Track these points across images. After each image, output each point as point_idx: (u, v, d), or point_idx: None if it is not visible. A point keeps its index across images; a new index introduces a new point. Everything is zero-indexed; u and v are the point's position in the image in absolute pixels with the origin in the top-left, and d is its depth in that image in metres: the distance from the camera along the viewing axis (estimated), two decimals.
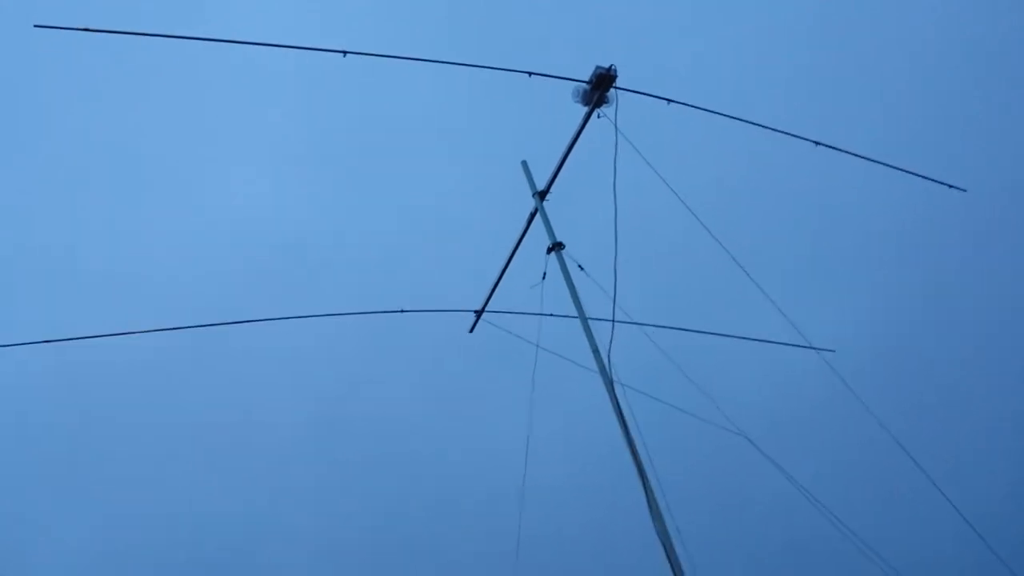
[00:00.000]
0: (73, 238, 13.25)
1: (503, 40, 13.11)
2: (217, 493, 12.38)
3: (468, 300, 6.73)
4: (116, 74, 12.67)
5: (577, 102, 5.91)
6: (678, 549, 4.39)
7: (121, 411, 12.48)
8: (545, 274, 6.03)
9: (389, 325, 6.57)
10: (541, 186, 6.25)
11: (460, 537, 11.86)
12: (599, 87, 5.77)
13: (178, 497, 12.16)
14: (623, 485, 4.95)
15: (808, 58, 13.51)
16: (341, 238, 13.87)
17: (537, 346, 6.10)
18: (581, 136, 5.95)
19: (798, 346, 6.19)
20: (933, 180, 6.01)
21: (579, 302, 5.55)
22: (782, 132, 5.95)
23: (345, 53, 5.30)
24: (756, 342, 6.87)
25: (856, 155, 5.96)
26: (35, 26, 4.54)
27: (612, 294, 5.27)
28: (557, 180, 6.18)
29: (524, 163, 6.43)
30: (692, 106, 5.85)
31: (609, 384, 5.06)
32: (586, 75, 5.82)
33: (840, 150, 5.95)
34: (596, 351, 5.26)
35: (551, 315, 6.13)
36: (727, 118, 6.01)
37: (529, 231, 6.29)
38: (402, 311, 6.30)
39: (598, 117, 5.82)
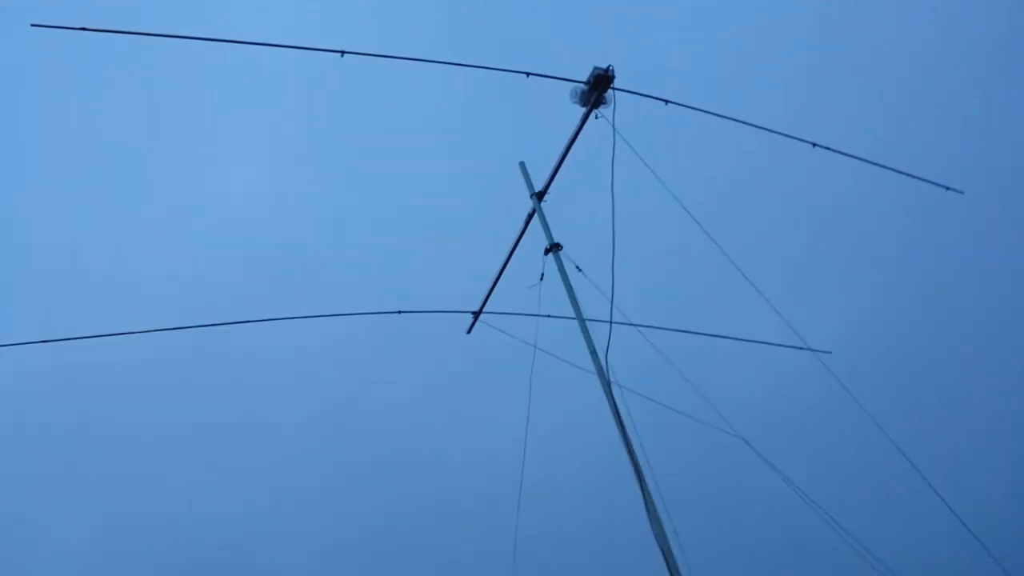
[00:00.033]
0: (73, 238, 13.27)
1: (501, 40, 13.13)
2: (217, 493, 12.40)
3: (467, 301, 6.73)
4: (116, 74, 12.70)
5: (575, 103, 5.90)
6: (675, 550, 4.39)
7: (121, 411, 12.50)
8: (543, 275, 6.03)
9: (389, 326, 6.57)
10: (539, 187, 6.23)
11: (460, 537, 11.87)
12: (597, 88, 5.76)
13: (178, 497, 12.18)
14: (621, 486, 4.95)
15: (806, 58, 13.52)
16: (340, 238, 13.91)
17: (535, 347, 6.09)
18: (579, 137, 5.95)
19: (795, 347, 6.18)
20: (930, 182, 5.99)
21: (577, 303, 5.54)
22: (779, 133, 5.95)
23: (343, 53, 5.30)
24: (753, 343, 6.87)
25: (853, 156, 5.95)
26: (32, 25, 4.52)
27: (610, 295, 5.27)
28: (555, 181, 6.17)
29: (522, 164, 6.42)
30: (690, 107, 5.85)
31: (607, 385, 5.05)
32: (584, 75, 5.81)
33: (837, 151, 5.95)
34: (594, 352, 5.25)
35: (549, 316, 6.13)
36: (725, 119, 6.00)
37: (527, 232, 6.28)
38: (399, 312, 6.29)
39: (596, 118, 5.82)
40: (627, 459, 4.76)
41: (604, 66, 5.70)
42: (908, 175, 5.94)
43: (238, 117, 13.69)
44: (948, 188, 6.06)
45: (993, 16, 13.15)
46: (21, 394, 12.17)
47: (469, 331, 6.64)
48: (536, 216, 6.14)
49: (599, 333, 5.27)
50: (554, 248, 5.93)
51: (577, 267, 5.84)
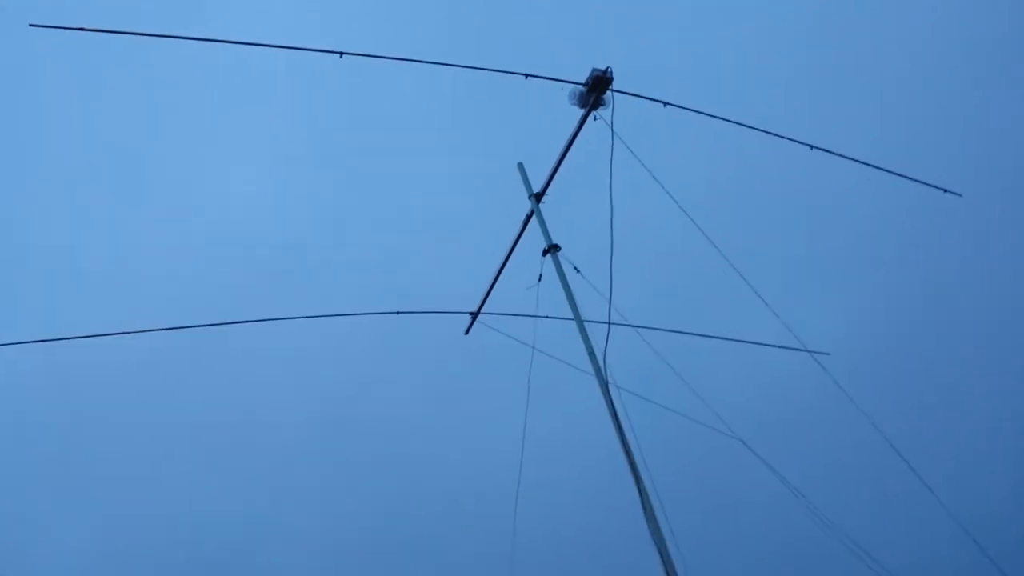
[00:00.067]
0: (73, 238, 13.28)
1: (501, 41, 13.14)
2: (217, 493, 12.41)
3: (466, 300, 6.73)
4: (116, 74, 12.71)
5: (573, 104, 5.90)
6: (672, 550, 4.41)
7: (121, 411, 12.51)
8: (541, 276, 6.04)
9: (388, 326, 6.58)
10: (537, 188, 6.25)
11: (459, 537, 11.88)
12: (595, 89, 5.77)
13: (178, 497, 12.20)
14: (618, 486, 4.96)
15: (806, 58, 13.52)
16: (339, 238, 13.92)
17: (533, 348, 6.10)
18: (577, 138, 5.95)
19: (792, 348, 6.19)
20: (928, 184, 5.99)
21: (575, 304, 5.55)
22: (778, 136, 5.95)
23: (342, 54, 5.30)
24: (751, 344, 6.87)
25: (851, 159, 5.96)
26: (30, 25, 4.52)
27: (608, 296, 5.27)
28: (553, 182, 6.18)
29: (520, 165, 6.43)
30: (688, 109, 5.85)
31: (604, 386, 5.06)
32: (582, 77, 5.81)
33: (835, 154, 5.95)
34: (592, 353, 5.26)
35: (547, 317, 6.14)
36: (723, 121, 6.00)
37: (525, 233, 6.29)
38: (397, 313, 6.30)
39: (594, 119, 5.82)
40: (624, 459, 4.77)
41: (603, 68, 5.70)
42: (906, 177, 5.94)
43: (238, 117, 13.72)
44: (946, 191, 6.06)
45: (990, 18, 13.16)
46: (21, 394, 12.19)
47: (467, 331, 6.65)
48: (534, 217, 6.15)
49: (597, 334, 5.28)
50: (552, 249, 5.95)
51: (575, 268, 5.85)
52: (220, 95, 13.43)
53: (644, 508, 4.53)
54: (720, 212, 11.59)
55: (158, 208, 13.59)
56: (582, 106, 5.83)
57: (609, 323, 5.21)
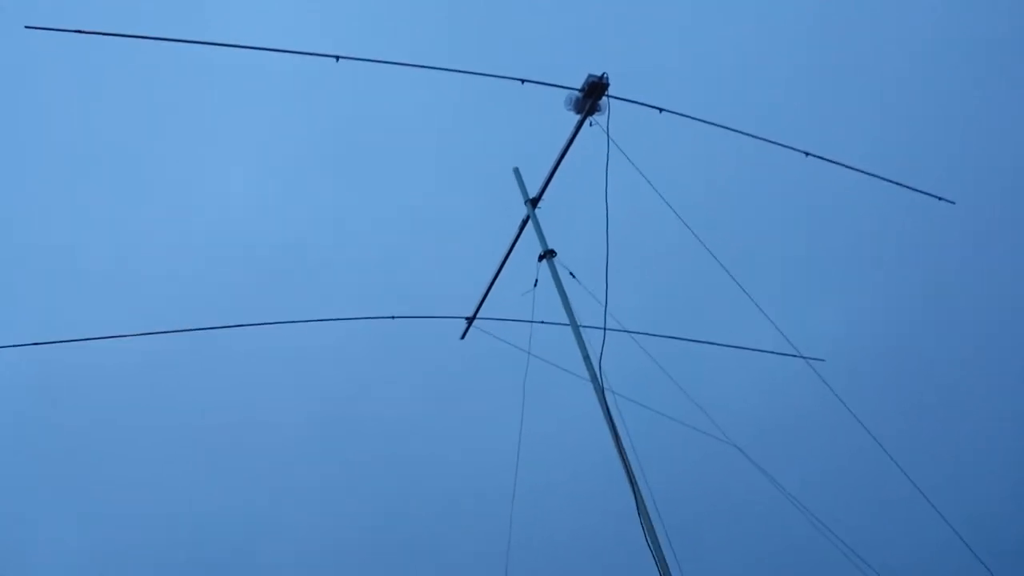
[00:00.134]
0: (73, 238, 13.30)
1: (498, 44, 13.14)
2: (217, 493, 12.44)
3: (465, 302, 6.74)
4: (116, 74, 12.72)
5: (569, 110, 5.90)
6: (667, 555, 4.43)
7: (121, 411, 12.54)
8: (537, 281, 6.05)
9: (387, 327, 6.59)
10: (533, 193, 6.26)
11: (458, 538, 11.91)
12: (591, 95, 5.75)
13: (178, 497, 12.22)
14: (614, 491, 4.98)
15: (805, 60, 13.51)
16: (339, 239, 13.94)
17: (528, 353, 6.12)
18: (573, 143, 5.95)
19: (788, 355, 6.20)
20: (922, 192, 6.00)
21: (571, 310, 5.56)
22: (773, 143, 5.95)
23: (338, 58, 5.31)
24: (746, 350, 6.88)
25: (846, 166, 5.96)
26: (26, 27, 4.52)
27: (603, 301, 5.28)
28: (549, 187, 6.19)
29: (516, 170, 6.43)
30: (684, 115, 5.86)
31: (600, 392, 5.08)
32: (578, 82, 5.81)
33: (830, 161, 5.96)
34: (587, 359, 5.28)
35: (542, 322, 6.15)
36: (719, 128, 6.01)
37: (521, 238, 6.30)
38: (392, 317, 6.31)
39: (590, 125, 5.81)
40: (620, 465, 4.79)
41: (599, 74, 5.69)
42: (900, 184, 5.95)
43: (237, 118, 13.72)
44: (940, 198, 6.07)
45: (993, 16, 13.13)
46: (21, 394, 12.22)
47: (463, 336, 6.66)
48: (530, 222, 6.16)
49: (593, 339, 5.30)
50: (548, 255, 5.96)
51: (571, 273, 5.87)
52: (220, 96, 13.45)
53: (639, 513, 4.55)
54: (717, 215, 11.63)
55: (158, 208, 13.61)
56: (578, 112, 5.82)
57: (605, 328, 5.22)
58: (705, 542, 10.30)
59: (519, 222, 6.30)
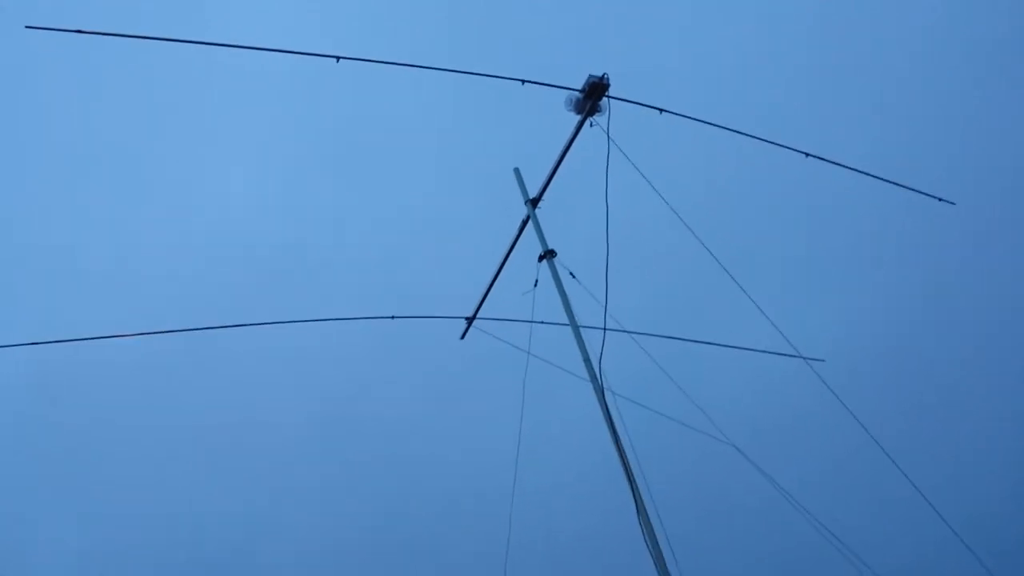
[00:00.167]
0: (73, 238, 13.31)
1: (499, 43, 13.14)
2: (217, 493, 12.44)
3: (466, 302, 6.74)
4: (116, 74, 12.72)
5: (570, 111, 5.90)
6: (666, 554, 4.43)
7: (121, 411, 12.54)
8: (537, 281, 6.05)
9: (387, 328, 6.60)
10: (533, 193, 6.26)
11: (458, 537, 11.92)
12: (592, 96, 5.75)
13: (178, 497, 12.22)
14: (613, 491, 4.98)
15: (805, 59, 13.51)
16: (339, 239, 13.94)
17: (528, 353, 6.12)
18: (574, 143, 5.95)
19: (787, 355, 6.20)
20: (922, 193, 6.00)
21: (570, 310, 5.57)
22: (773, 143, 5.95)
23: (339, 59, 5.31)
24: (746, 351, 6.88)
25: (846, 167, 5.97)
26: (26, 27, 4.52)
27: (603, 302, 5.28)
28: (549, 187, 6.19)
29: (516, 170, 6.43)
30: (684, 116, 5.86)
31: (600, 393, 5.08)
32: (579, 82, 5.81)
33: (830, 162, 5.96)
34: (587, 359, 5.28)
35: (542, 323, 6.15)
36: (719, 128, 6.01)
37: (521, 238, 6.30)
38: (392, 317, 6.31)
39: (591, 126, 5.81)
40: (620, 464, 4.79)
41: (599, 74, 5.69)
42: (900, 185, 5.95)
43: (237, 118, 13.72)
44: (940, 199, 6.07)
45: (993, 16, 13.13)
46: (21, 394, 12.22)
47: (463, 336, 6.66)
48: (530, 223, 6.16)
49: (593, 340, 5.30)
50: (548, 255, 5.96)
51: (571, 274, 5.87)
52: (220, 96, 13.45)
53: (639, 513, 4.55)
54: (717, 215, 11.63)
55: (158, 208, 13.62)
56: (578, 112, 5.82)
57: (605, 329, 5.23)
58: (704, 542, 10.30)
59: (519, 222, 6.30)
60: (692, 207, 6.28)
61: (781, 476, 5.29)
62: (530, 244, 6.11)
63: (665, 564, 4.38)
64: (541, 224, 6.10)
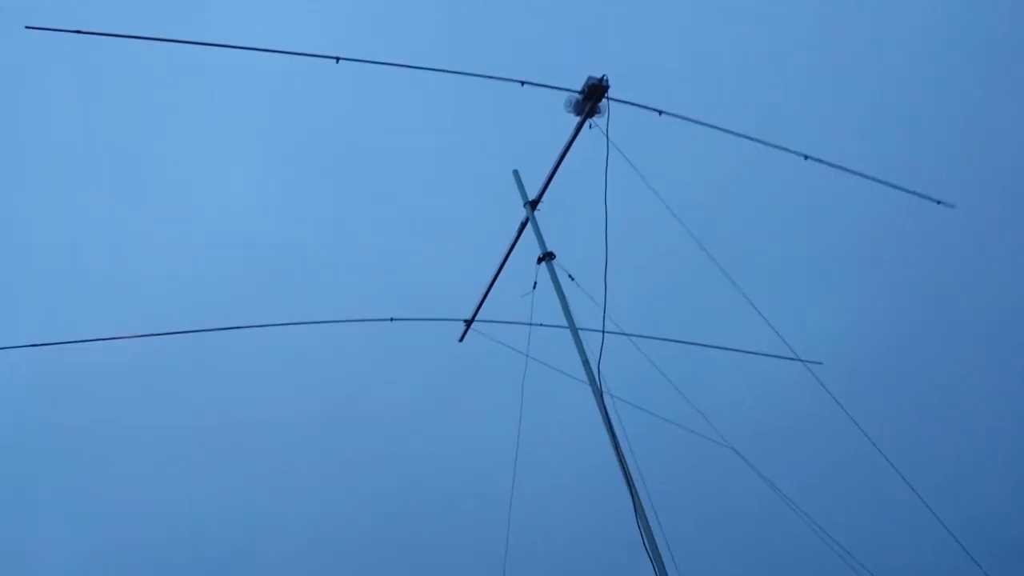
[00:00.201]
0: (73, 238, 13.32)
1: (497, 48, 13.15)
2: (217, 493, 12.45)
3: (465, 302, 6.73)
4: (116, 75, 12.73)
5: (569, 112, 5.88)
6: (664, 557, 4.43)
7: (121, 411, 12.56)
8: (536, 284, 6.03)
9: (387, 329, 6.59)
10: (532, 195, 6.24)
11: (458, 537, 11.93)
12: (591, 97, 5.73)
13: (178, 497, 12.24)
14: (612, 494, 4.98)
15: (805, 61, 13.50)
16: (339, 239, 13.95)
17: (527, 356, 6.11)
18: (573, 145, 5.94)
19: (785, 358, 6.19)
20: (922, 196, 5.98)
21: (569, 312, 5.55)
22: (772, 145, 5.94)
23: (338, 59, 5.31)
24: (744, 353, 6.88)
25: (845, 169, 5.95)
26: (26, 27, 4.52)
27: (602, 304, 5.27)
28: (548, 189, 6.17)
29: (515, 172, 6.40)
30: (683, 118, 5.85)
31: (599, 395, 5.07)
32: (579, 83, 5.79)
33: (829, 164, 5.95)
34: (586, 362, 5.27)
35: (541, 325, 6.14)
36: (718, 130, 6.00)
37: (520, 240, 6.28)
38: (391, 320, 6.30)
39: (590, 127, 5.80)
40: (618, 467, 4.79)
41: (599, 76, 5.68)
42: (900, 188, 5.94)
43: (237, 118, 13.73)
44: (939, 202, 6.06)
45: (993, 16, 13.12)
46: (22, 394, 12.23)
47: (462, 339, 6.64)
48: (529, 225, 6.14)
49: (592, 342, 5.29)
50: (547, 257, 5.94)
51: (570, 276, 5.85)
52: (220, 96, 13.46)
53: (637, 515, 4.55)
54: (717, 216, 11.63)
55: (158, 208, 13.63)
56: (578, 114, 5.80)
57: (603, 331, 5.21)
58: (702, 544, 10.30)
59: (518, 224, 6.28)
60: (691, 209, 6.29)
61: (779, 479, 5.30)
62: (529, 246, 6.09)
63: (663, 566, 4.37)
64: (540, 226, 6.08)
